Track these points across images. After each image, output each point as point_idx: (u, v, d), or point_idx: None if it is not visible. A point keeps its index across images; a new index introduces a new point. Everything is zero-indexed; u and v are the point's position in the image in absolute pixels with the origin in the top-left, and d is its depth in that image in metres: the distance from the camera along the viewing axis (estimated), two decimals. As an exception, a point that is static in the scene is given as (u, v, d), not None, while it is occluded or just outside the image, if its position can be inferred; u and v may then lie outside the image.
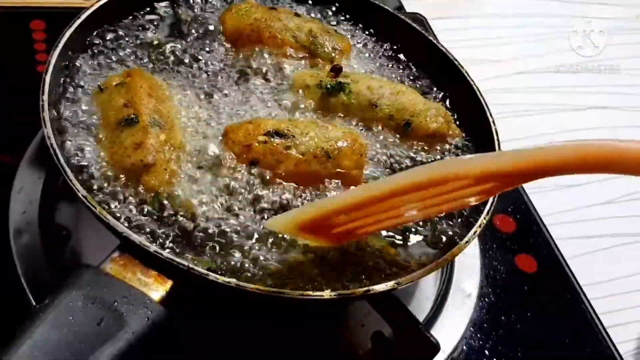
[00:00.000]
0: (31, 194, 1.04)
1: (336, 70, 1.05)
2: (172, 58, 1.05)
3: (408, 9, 1.63)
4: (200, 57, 1.05)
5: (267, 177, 0.90)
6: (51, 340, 0.66)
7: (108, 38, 1.04)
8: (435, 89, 1.14)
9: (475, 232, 0.89)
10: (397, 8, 1.64)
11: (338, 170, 0.93)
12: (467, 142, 1.06)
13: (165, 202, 0.86)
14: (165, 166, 0.87)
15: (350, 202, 0.80)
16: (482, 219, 0.90)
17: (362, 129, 1.02)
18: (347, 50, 1.13)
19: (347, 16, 1.21)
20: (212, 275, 0.75)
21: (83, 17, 1.00)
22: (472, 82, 1.10)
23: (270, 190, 0.90)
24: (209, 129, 0.95)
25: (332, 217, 0.81)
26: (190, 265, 0.75)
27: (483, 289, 1.14)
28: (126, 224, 0.81)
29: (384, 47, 1.18)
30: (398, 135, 1.02)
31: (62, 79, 0.95)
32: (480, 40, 1.77)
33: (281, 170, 0.91)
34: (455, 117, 1.08)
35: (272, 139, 0.90)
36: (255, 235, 0.86)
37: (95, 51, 1.02)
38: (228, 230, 0.85)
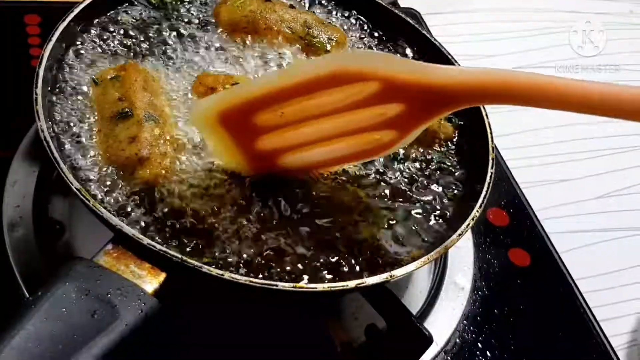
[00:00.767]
0: (25, 188, 1.04)
1: None
2: (168, 48, 1.04)
3: (402, 4, 1.63)
4: (196, 50, 1.05)
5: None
6: (44, 331, 0.66)
7: (103, 31, 1.04)
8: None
9: (468, 224, 0.89)
10: (391, 3, 1.63)
11: None
12: (460, 138, 1.06)
13: (159, 195, 0.86)
14: (159, 160, 0.87)
15: (266, 89, 0.80)
16: (475, 212, 0.90)
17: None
18: (343, 41, 1.13)
19: (343, 11, 1.21)
20: (205, 268, 0.75)
21: (77, 10, 1.00)
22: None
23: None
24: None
25: (252, 108, 0.82)
26: (184, 257, 0.75)
27: (476, 283, 1.15)
28: (120, 217, 0.81)
29: (379, 41, 1.18)
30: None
31: (56, 72, 0.95)
32: (474, 36, 1.76)
33: None
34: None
35: None
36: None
37: (90, 44, 1.01)
38: (223, 223, 0.85)
